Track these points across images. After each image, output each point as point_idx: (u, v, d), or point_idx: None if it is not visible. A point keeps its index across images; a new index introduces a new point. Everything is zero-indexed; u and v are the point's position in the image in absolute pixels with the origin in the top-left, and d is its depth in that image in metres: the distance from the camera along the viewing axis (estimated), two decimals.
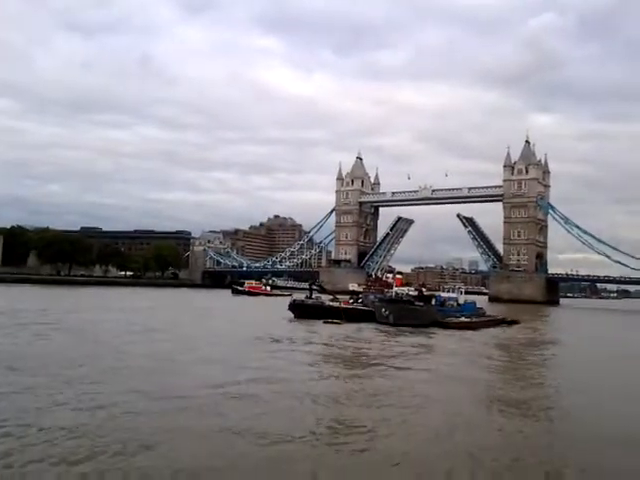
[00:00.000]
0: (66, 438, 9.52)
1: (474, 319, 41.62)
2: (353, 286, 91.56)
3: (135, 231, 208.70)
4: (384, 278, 64.44)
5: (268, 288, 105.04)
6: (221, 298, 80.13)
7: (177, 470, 8.27)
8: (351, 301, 43.62)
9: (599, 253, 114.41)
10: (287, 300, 44.27)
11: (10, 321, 30.30)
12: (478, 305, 49.43)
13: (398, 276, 51.04)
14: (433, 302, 42.96)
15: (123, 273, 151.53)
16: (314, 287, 48.87)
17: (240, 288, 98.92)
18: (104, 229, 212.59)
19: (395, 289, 42.73)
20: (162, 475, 8.17)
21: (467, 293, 58.08)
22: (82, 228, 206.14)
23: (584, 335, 41.83)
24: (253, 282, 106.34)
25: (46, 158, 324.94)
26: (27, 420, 10.44)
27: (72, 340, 23.64)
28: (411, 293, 42.43)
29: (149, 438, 9.76)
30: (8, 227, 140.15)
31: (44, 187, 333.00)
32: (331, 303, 42.11)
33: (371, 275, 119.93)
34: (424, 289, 45.88)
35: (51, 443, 9.24)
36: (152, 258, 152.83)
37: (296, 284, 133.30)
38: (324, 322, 36.72)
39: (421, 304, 40.06)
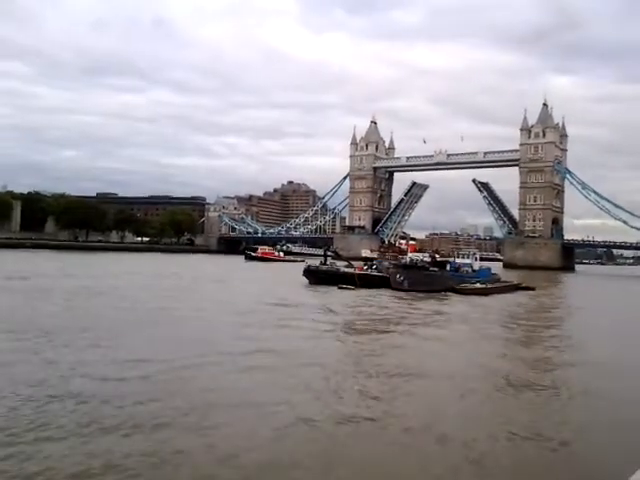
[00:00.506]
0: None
1: (489, 285, 41.70)
2: (366, 252, 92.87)
3: (150, 197, 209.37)
4: (397, 244, 64.72)
5: (281, 254, 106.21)
6: (235, 264, 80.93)
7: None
8: (365, 267, 43.80)
9: (616, 219, 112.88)
10: (300, 266, 44.56)
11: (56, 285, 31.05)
12: (493, 271, 49.54)
13: (412, 242, 51.18)
14: (448, 268, 43.11)
15: (139, 239, 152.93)
16: (329, 253, 49.02)
17: (253, 254, 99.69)
18: (120, 195, 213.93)
19: (410, 255, 42.86)
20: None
21: (482, 259, 58.05)
22: (98, 194, 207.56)
23: (600, 301, 41.77)
24: (266, 248, 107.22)
25: (58, 123, 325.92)
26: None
27: (105, 303, 24.25)
28: (425, 259, 42.60)
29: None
30: (25, 193, 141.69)
31: (58, 153, 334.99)
32: (345, 269, 42.38)
33: (384, 241, 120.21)
34: (437, 255, 45.94)
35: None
36: (168, 224, 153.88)
37: (311, 250, 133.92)
38: (338, 288, 37.07)
39: (436, 270, 40.21)
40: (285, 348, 15.66)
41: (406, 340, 18.51)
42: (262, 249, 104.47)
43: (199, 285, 39.90)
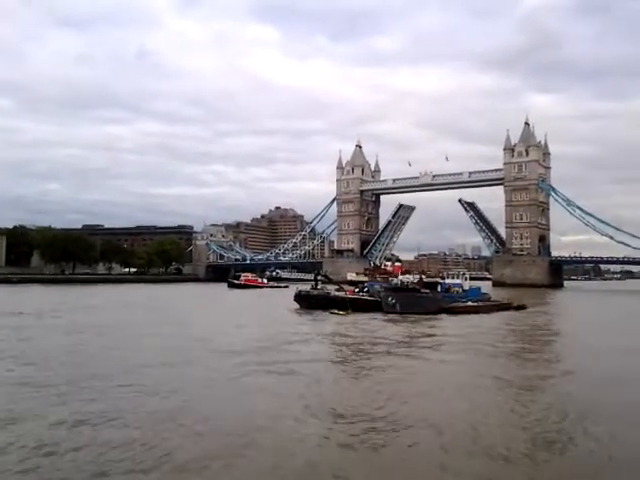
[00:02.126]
0: None
1: (480, 304, 41.57)
2: (351, 275, 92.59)
3: (137, 227, 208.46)
4: (383, 266, 64.68)
5: (265, 280, 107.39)
6: (219, 292, 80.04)
7: None
8: (356, 290, 43.42)
9: (602, 234, 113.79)
10: (284, 292, 44.21)
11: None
12: (483, 290, 49.37)
13: (397, 264, 51.04)
14: (438, 289, 42.90)
15: (127, 270, 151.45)
16: (319, 277, 48.67)
17: (236, 282, 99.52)
18: (106, 226, 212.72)
19: (400, 277, 42.62)
20: None
21: (471, 279, 57.72)
22: (84, 226, 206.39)
23: (595, 318, 41.54)
24: (249, 275, 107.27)
25: (44, 156, 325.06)
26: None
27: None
28: (415, 281, 42.39)
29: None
30: (10, 227, 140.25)
31: (43, 186, 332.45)
32: (337, 293, 42.01)
33: (370, 264, 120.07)
34: (424, 276, 45.68)
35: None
36: (155, 254, 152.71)
37: (300, 275, 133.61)
38: (330, 313, 36.53)
39: (427, 291, 39.99)
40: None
41: (406, 370, 17.78)
42: (245, 276, 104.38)
43: (186, 315, 39.31)
